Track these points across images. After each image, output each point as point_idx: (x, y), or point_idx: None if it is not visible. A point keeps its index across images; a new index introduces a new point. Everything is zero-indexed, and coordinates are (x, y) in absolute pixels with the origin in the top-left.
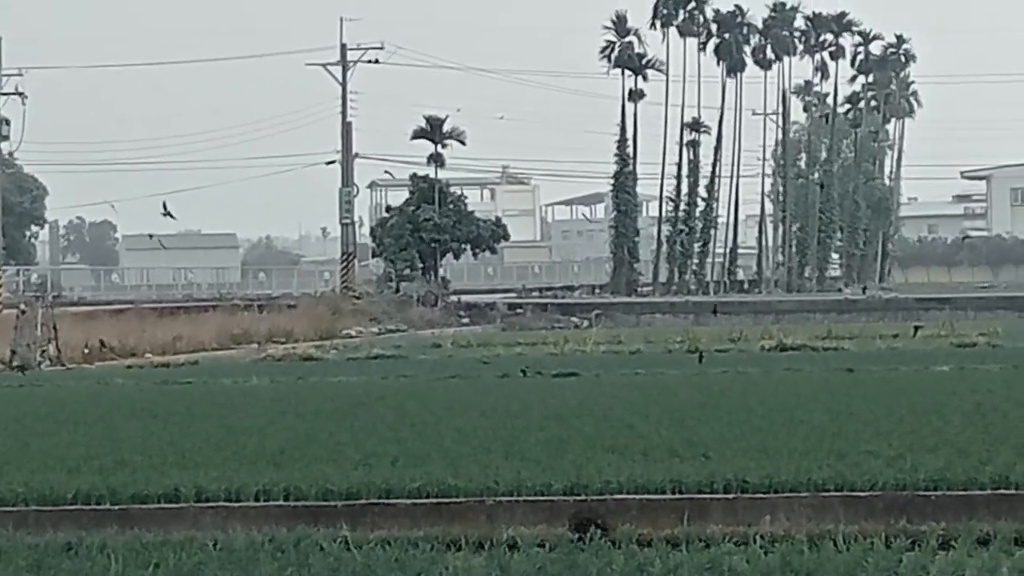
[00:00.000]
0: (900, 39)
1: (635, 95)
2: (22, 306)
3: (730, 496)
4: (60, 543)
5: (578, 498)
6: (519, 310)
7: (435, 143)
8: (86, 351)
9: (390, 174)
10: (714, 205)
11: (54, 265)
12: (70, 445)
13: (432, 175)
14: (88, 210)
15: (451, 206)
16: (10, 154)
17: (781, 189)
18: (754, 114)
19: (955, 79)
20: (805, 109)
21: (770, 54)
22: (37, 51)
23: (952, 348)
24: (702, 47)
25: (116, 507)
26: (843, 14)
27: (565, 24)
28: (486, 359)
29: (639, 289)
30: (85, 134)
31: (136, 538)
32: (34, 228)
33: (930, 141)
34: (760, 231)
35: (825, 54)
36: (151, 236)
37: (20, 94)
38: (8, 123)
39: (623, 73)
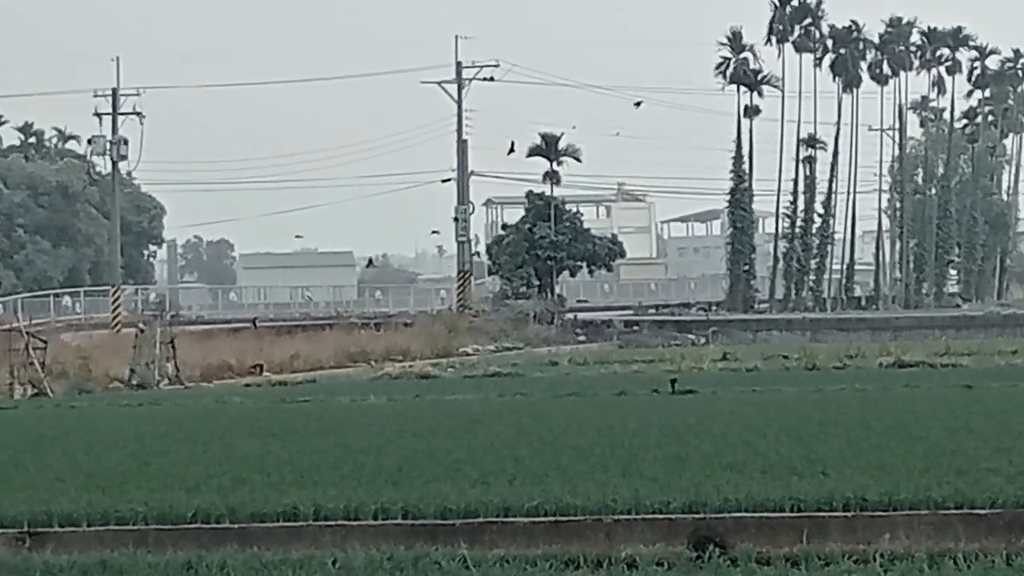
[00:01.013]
0: (1017, 53)
1: (751, 111)
2: (141, 325)
3: (849, 514)
4: (180, 562)
5: (697, 516)
6: (635, 327)
7: (550, 160)
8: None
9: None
10: (830, 221)
11: (172, 284)
12: (189, 464)
13: (548, 192)
14: (205, 229)
15: (567, 223)
16: (128, 173)
17: (898, 205)
18: (870, 130)
19: None
20: (922, 124)
21: (886, 69)
22: (147, 70)
23: None
24: (818, 63)
25: (235, 526)
26: (959, 29)
27: (680, 40)
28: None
29: (755, 306)
30: (193, 153)
31: (255, 557)
32: (152, 247)
33: None
34: (877, 247)
35: (942, 69)
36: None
37: (138, 114)
38: (126, 143)
39: (738, 89)
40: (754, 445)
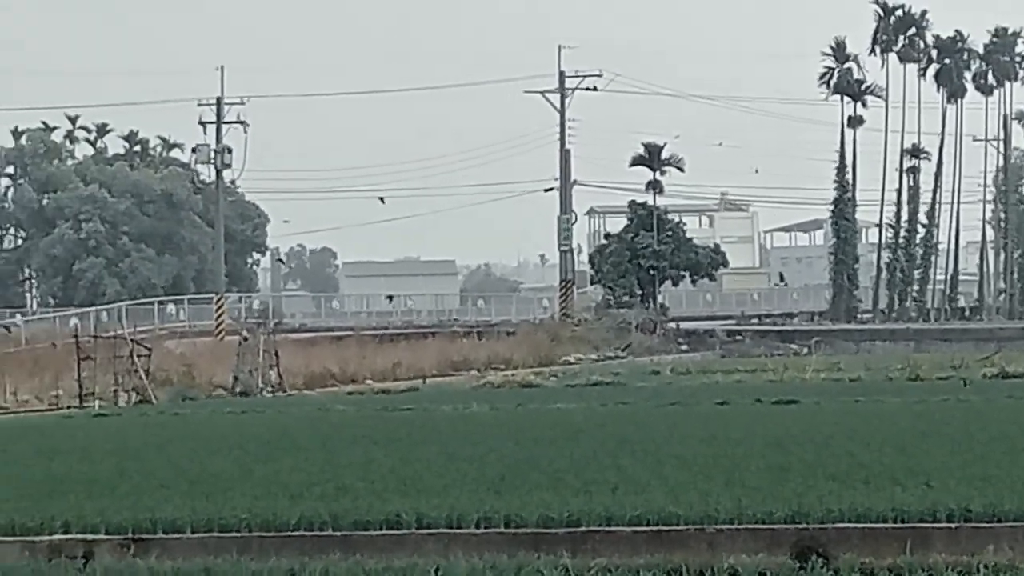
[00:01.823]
0: None
1: (854, 121)
2: (244, 333)
3: (953, 525)
4: (283, 569)
5: (799, 526)
6: (738, 337)
7: (653, 170)
8: None
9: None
10: (934, 232)
11: (275, 292)
12: (292, 471)
13: (650, 202)
14: (309, 237)
15: (669, 233)
16: (232, 182)
17: (1002, 215)
18: (975, 140)
19: None
20: None
21: (991, 79)
22: (251, 79)
23: None
24: (922, 73)
25: (338, 533)
26: None
27: (783, 50)
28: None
29: (859, 316)
30: (297, 162)
31: (358, 564)
32: (256, 255)
33: None
34: (981, 258)
35: None
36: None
37: (242, 122)
38: (230, 151)
39: (842, 99)
40: (857, 455)
